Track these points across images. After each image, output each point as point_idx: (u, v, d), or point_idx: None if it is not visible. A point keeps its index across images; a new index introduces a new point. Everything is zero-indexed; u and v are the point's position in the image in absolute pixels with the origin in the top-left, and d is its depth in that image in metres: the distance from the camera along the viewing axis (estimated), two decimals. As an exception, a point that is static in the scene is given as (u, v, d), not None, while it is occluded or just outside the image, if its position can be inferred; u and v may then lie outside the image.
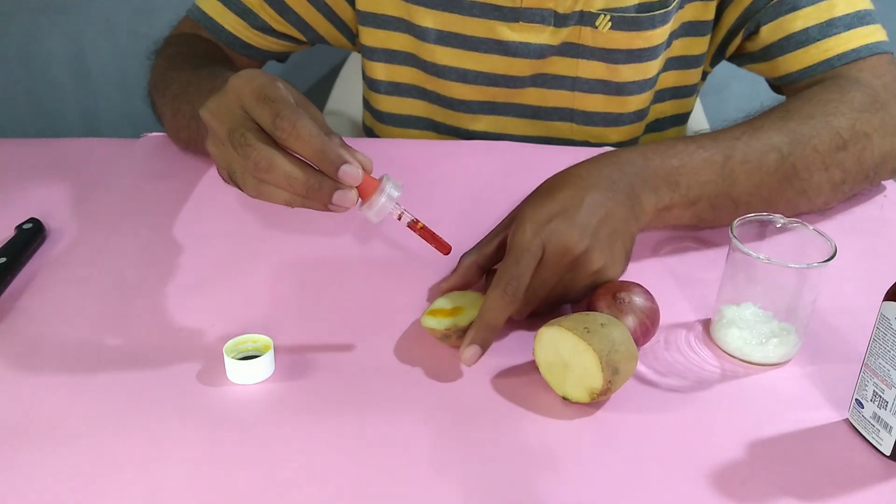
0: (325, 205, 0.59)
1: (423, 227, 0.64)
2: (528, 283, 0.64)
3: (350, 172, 0.58)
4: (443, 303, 0.67)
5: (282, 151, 0.58)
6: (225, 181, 0.63)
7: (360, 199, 0.61)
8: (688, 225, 0.78)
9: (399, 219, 0.64)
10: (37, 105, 1.97)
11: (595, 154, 0.74)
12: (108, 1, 1.84)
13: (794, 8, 0.88)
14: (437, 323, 0.65)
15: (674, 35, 0.95)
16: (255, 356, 0.63)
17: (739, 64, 0.98)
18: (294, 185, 0.58)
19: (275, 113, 0.57)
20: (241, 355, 0.64)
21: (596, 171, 0.70)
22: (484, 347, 0.63)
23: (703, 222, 0.78)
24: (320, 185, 0.58)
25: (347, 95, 1.47)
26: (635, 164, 0.72)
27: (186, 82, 0.88)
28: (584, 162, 0.72)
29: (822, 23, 0.87)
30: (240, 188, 0.61)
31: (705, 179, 0.74)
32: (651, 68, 0.95)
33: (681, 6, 0.92)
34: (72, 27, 1.87)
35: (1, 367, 0.64)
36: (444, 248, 0.65)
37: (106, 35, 1.88)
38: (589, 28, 0.92)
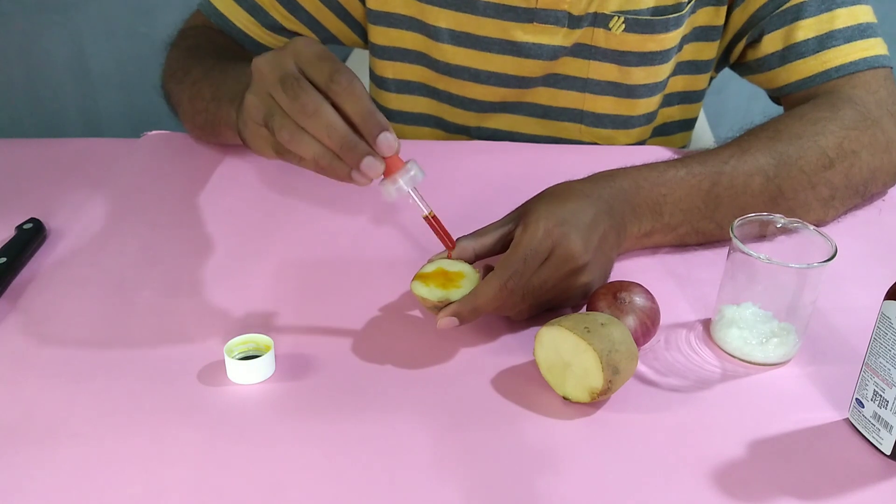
0: (351, 169, 0.61)
1: (436, 219, 0.66)
2: (530, 280, 0.65)
3: (389, 140, 0.60)
4: (431, 267, 0.67)
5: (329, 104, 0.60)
6: (246, 143, 0.66)
7: (381, 176, 0.62)
8: (670, 246, 0.78)
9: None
10: (37, 105, 1.97)
11: (598, 153, 0.74)
12: (108, 1, 1.84)
13: (797, 18, 0.88)
14: (429, 293, 0.65)
15: (685, 39, 0.95)
16: (256, 356, 0.63)
17: (741, 74, 0.98)
18: (332, 136, 0.60)
19: (334, 69, 0.60)
20: (241, 355, 0.64)
21: (596, 191, 0.71)
22: (461, 323, 0.64)
23: (686, 244, 0.79)
24: (355, 145, 0.60)
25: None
26: (627, 191, 0.73)
27: (209, 67, 0.88)
28: (584, 180, 0.74)
29: (822, 34, 0.88)
30: (273, 134, 0.62)
31: (688, 207, 0.76)
32: (662, 72, 0.96)
33: (693, 11, 0.92)
34: (72, 27, 1.87)
35: (1, 367, 0.64)
36: (451, 245, 0.67)
37: (106, 35, 1.88)
38: (602, 30, 0.92)
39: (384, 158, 0.61)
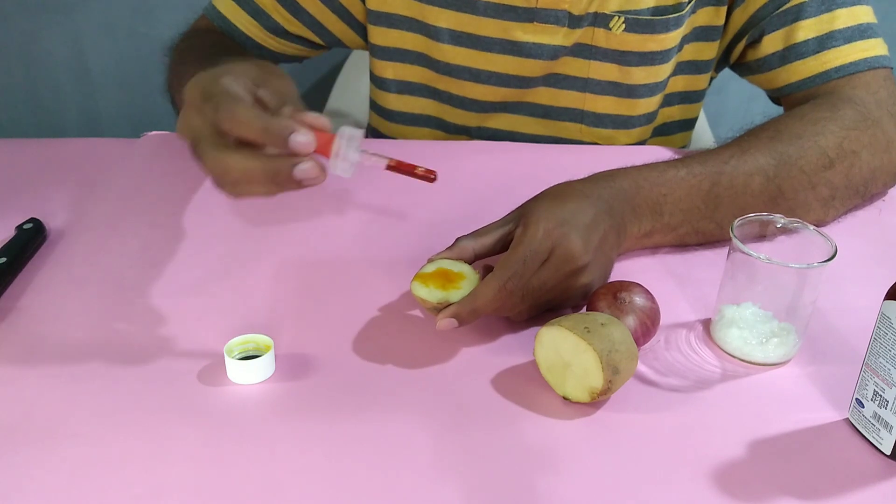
0: (298, 183, 0.58)
1: (399, 163, 0.62)
2: (529, 281, 0.65)
3: (299, 140, 0.57)
4: (431, 267, 0.67)
5: (236, 150, 0.58)
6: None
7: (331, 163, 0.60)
8: (670, 246, 0.78)
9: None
10: (37, 105, 1.97)
11: (598, 153, 0.74)
12: (108, 1, 1.84)
13: (797, 19, 0.88)
14: (429, 294, 0.65)
15: (685, 39, 0.95)
16: (256, 356, 0.63)
17: (741, 74, 0.98)
18: (254, 176, 0.58)
19: (215, 108, 0.58)
20: (241, 355, 0.64)
21: (596, 192, 0.71)
22: (461, 324, 0.64)
23: (686, 244, 0.79)
24: (278, 167, 0.57)
25: (348, 95, 1.47)
26: (627, 190, 0.73)
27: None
28: (584, 180, 0.74)
29: (822, 35, 0.88)
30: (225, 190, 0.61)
31: (688, 207, 0.76)
32: (662, 72, 0.96)
33: (694, 11, 0.92)
34: (72, 27, 1.86)
35: (1, 367, 0.64)
36: (430, 175, 0.62)
37: (106, 35, 1.88)
38: (602, 29, 0.92)
39: (316, 142, 0.58)
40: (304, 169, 0.57)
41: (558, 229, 0.66)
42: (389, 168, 0.62)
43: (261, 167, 0.58)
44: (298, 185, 0.58)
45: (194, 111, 0.60)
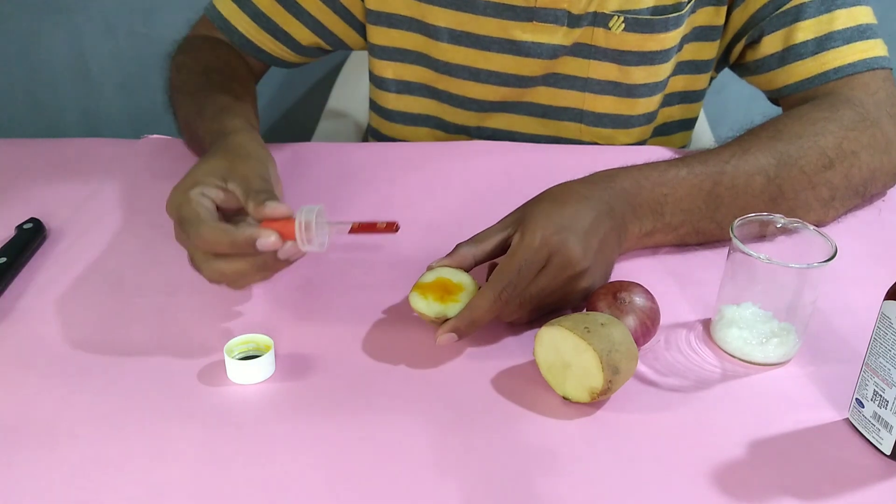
0: (286, 262, 0.66)
1: (361, 225, 0.66)
2: (527, 288, 0.65)
3: (265, 244, 0.63)
4: (430, 276, 0.67)
5: (224, 257, 0.65)
6: None
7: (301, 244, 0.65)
8: (670, 245, 0.78)
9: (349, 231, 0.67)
10: (37, 105, 1.97)
11: (598, 153, 0.74)
12: (108, 1, 1.84)
13: (797, 20, 0.88)
14: (427, 308, 0.65)
15: (685, 39, 0.95)
16: (256, 356, 0.63)
17: (740, 75, 0.98)
18: (247, 273, 0.65)
19: (186, 235, 0.65)
20: (241, 355, 0.64)
21: (596, 193, 0.71)
22: (460, 337, 0.65)
23: (687, 244, 0.79)
24: (264, 259, 0.65)
25: (348, 95, 1.47)
26: (628, 191, 0.73)
27: (185, 117, 0.91)
28: (583, 181, 0.74)
29: (821, 36, 0.88)
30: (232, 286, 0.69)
31: (689, 207, 0.76)
32: (662, 71, 0.96)
33: (693, 10, 0.92)
34: (72, 27, 1.86)
35: (1, 367, 0.64)
36: (392, 227, 0.66)
37: (106, 35, 1.87)
38: (602, 29, 0.92)
39: (280, 234, 0.63)
40: (286, 251, 0.64)
41: (556, 235, 0.66)
42: (353, 231, 0.66)
43: (249, 266, 0.65)
44: (288, 262, 0.66)
45: (179, 230, 0.66)
